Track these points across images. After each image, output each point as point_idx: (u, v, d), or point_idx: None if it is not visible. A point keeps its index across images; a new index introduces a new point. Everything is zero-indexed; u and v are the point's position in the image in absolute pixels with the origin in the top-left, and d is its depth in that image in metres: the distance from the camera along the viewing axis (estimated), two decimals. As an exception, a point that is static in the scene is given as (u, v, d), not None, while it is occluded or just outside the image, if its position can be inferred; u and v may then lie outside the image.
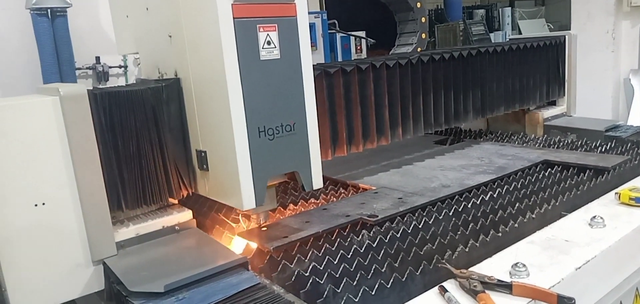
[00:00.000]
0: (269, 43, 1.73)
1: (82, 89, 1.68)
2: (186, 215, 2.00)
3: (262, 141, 1.76)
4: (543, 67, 3.48)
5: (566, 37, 3.65)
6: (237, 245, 1.99)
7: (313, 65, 1.90)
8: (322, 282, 1.55)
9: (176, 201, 2.04)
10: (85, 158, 1.68)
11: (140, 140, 1.86)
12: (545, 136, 3.46)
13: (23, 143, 1.60)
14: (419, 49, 3.86)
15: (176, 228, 1.96)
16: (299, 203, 2.41)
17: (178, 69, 1.96)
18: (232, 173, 1.76)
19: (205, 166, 1.91)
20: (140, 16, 2.14)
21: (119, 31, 2.46)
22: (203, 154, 1.91)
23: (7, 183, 1.58)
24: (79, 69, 5.30)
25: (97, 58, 5.42)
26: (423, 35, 3.90)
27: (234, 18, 1.64)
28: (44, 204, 1.64)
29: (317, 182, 1.94)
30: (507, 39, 4.01)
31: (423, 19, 3.92)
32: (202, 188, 2.00)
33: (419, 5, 3.93)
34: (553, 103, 3.73)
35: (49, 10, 4.71)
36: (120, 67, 5.55)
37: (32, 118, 1.61)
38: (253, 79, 1.71)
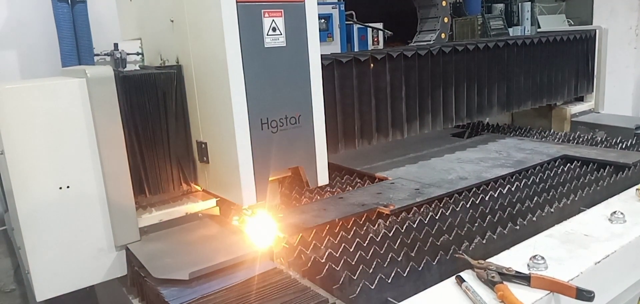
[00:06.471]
0: (274, 30, 1.65)
1: (108, 71, 1.66)
2: (209, 202, 1.98)
3: (265, 134, 1.67)
4: (572, 62, 3.41)
5: (596, 31, 3.58)
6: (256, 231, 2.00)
7: (325, 55, 1.82)
8: (338, 269, 1.56)
9: (200, 188, 2.02)
10: (110, 141, 1.67)
11: (161, 124, 1.85)
12: (565, 131, 3.42)
13: (49, 125, 1.59)
14: (443, 35, 3.77)
15: (199, 215, 1.96)
16: (315, 191, 2.42)
17: (180, 56, 1.88)
18: (232, 167, 1.67)
19: (205, 158, 1.84)
20: (143, 0, 2.08)
21: (123, 16, 2.37)
22: (203, 145, 1.84)
23: (32, 165, 1.57)
24: (98, 55, 5.35)
25: (115, 44, 5.47)
26: (446, 20, 3.79)
27: (237, 2, 1.56)
28: (68, 187, 1.63)
29: (323, 179, 1.85)
30: (528, 33, 3.94)
31: (444, 3, 3.81)
32: (203, 181, 1.94)
33: (439, -13, 3.83)
34: (580, 99, 3.66)
35: (69, -4, 4.76)
36: (137, 54, 5.60)
37: (58, 100, 1.59)
38: (256, 68, 1.63)
